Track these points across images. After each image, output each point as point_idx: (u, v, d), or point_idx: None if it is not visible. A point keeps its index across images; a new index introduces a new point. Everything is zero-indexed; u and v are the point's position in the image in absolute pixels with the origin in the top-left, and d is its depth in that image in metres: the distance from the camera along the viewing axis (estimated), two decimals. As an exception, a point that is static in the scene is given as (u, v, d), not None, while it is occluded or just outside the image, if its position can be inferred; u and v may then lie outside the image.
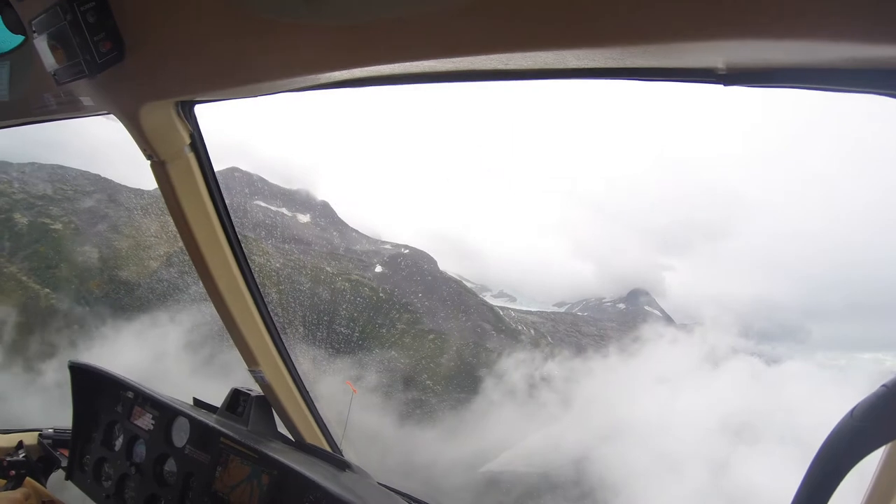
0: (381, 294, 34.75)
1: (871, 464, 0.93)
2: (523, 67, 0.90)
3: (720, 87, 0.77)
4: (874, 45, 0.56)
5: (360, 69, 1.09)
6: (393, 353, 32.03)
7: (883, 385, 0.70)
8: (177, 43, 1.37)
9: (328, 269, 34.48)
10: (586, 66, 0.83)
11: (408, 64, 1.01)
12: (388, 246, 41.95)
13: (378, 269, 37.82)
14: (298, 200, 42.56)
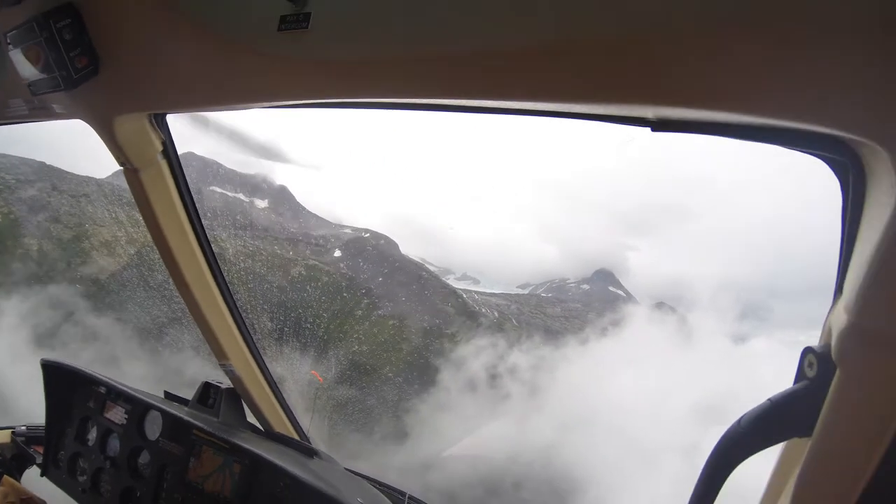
0: (339, 279, 34.55)
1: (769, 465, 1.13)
2: (475, 105, 1.08)
3: (648, 130, 0.93)
4: (785, 119, 0.73)
5: (325, 100, 1.23)
6: (351, 340, 31.94)
7: (768, 399, 0.89)
8: (150, 59, 1.47)
9: (284, 254, 34.05)
10: (541, 110, 1.01)
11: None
12: (347, 230, 41.65)
13: (337, 253, 37.53)
14: (255, 185, 41.68)
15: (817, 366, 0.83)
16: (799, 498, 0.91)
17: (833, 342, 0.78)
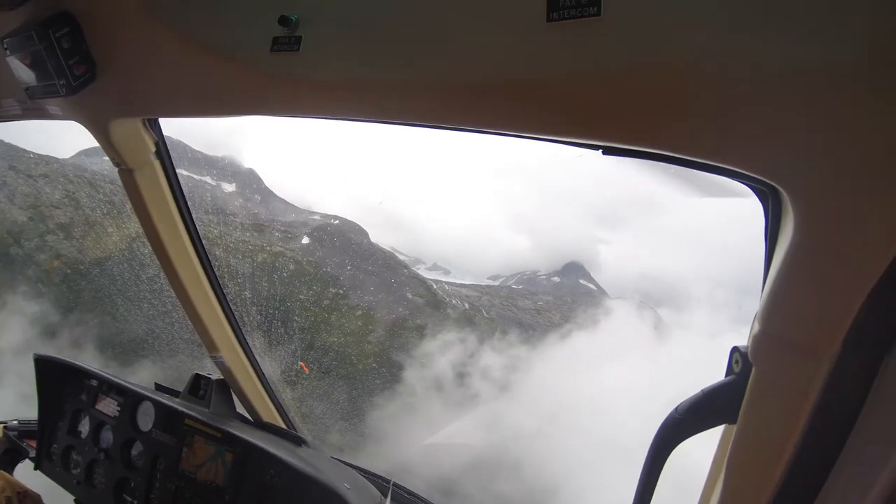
0: (306, 267, 34.14)
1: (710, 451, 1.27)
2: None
3: (599, 152, 1.07)
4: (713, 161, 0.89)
5: (312, 116, 1.36)
6: (317, 330, 31.57)
7: (701, 390, 1.06)
8: (146, 68, 1.55)
9: (250, 241, 33.46)
10: (511, 133, 1.12)
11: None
12: (317, 217, 41.26)
13: (305, 240, 37.06)
14: (222, 168, 40.84)
15: (741, 363, 1.00)
16: (729, 477, 1.08)
17: (749, 344, 0.96)
